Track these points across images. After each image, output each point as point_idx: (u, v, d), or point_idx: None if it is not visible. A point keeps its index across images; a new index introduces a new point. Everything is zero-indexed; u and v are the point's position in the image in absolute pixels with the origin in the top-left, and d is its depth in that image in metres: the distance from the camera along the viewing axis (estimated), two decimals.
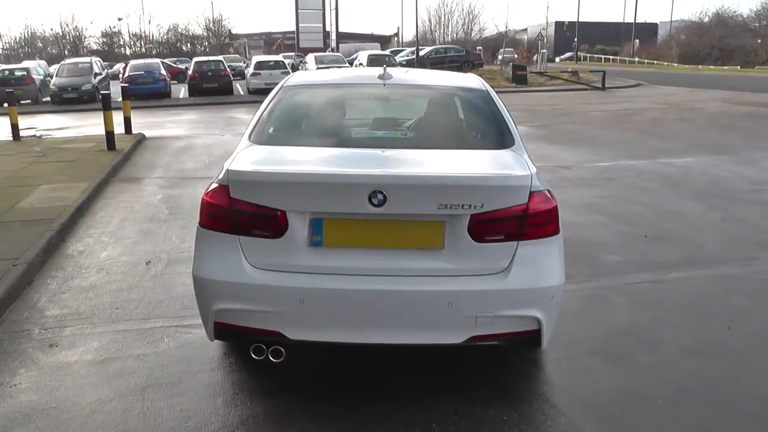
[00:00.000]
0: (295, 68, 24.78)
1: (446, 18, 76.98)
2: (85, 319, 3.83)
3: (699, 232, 5.73)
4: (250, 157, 2.88)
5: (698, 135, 12.05)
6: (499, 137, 3.13)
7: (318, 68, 23.15)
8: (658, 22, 79.59)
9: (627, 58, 63.11)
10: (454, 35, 74.73)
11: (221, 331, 2.75)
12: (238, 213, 2.65)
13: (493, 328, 2.67)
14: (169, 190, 7.42)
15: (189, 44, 62.44)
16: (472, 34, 77.62)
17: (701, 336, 3.71)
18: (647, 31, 74.61)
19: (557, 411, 2.90)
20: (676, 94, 21.89)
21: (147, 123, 13.66)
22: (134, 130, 11.86)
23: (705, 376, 3.26)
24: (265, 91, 22.28)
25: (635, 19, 74.08)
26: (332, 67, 23.43)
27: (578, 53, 66.25)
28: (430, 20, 78.82)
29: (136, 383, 3.13)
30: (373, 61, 25.46)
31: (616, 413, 2.90)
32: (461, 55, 35.50)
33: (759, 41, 48.76)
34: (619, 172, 8.27)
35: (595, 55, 66.39)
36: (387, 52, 32.44)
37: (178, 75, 29.20)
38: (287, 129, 3.36)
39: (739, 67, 46.97)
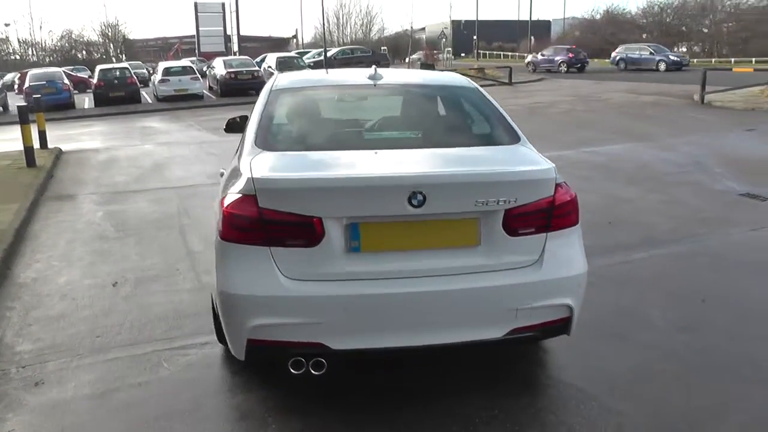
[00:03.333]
0: (203, 74, 23.95)
1: (344, 19, 77.29)
2: (67, 352, 3.50)
3: (647, 215, 6.10)
4: (271, 164, 2.74)
5: (613, 124, 12.81)
6: (506, 133, 3.18)
7: (227, 72, 22.52)
8: (551, 20, 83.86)
9: (526, 54, 66.01)
10: (353, 36, 75.24)
11: (255, 348, 2.59)
12: (269, 223, 2.52)
13: (531, 319, 2.71)
14: (109, 206, 6.94)
15: (84, 51, 58.68)
16: (371, 35, 78.57)
17: (681, 311, 3.94)
18: (541, 28, 78.35)
19: (586, 395, 2.98)
20: (580, 87, 23.14)
21: (59, 136, 12.68)
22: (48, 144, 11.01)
23: (699, 348, 3.47)
24: (174, 98, 21.85)
25: (530, 17, 77.70)
26: (243, 70, 22.89)
27: (478, 50, 68.54)
28: (328, 21, 78.90)
29: (147, 414, 2.90)
30: (282, 63, 25.10)
31: (638, 391, 3.02)
32: (368, 55, 35.73)
33: (644, 36, 52.47)
34: (554, 163, 8.62)
35: (494, 52, 68.91)
36: (293, 54, 32.06)
37: (78, 84, 27.37)
38: (293, 133, 3.23)
39: None
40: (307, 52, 35.59)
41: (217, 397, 3.02)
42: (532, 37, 71.67)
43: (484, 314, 2.65)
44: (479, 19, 68.65)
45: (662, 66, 30.75)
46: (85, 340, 3.63)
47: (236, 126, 4.99)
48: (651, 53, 32.10)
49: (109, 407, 2.96)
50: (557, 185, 2.76)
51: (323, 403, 2.93)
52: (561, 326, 2.82)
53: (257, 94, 16.23)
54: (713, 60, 40.74)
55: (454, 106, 3.51)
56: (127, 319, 3.92)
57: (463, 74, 23.39)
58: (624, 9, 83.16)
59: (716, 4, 49.31)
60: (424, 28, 73.03)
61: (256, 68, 23.58)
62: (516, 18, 76.71)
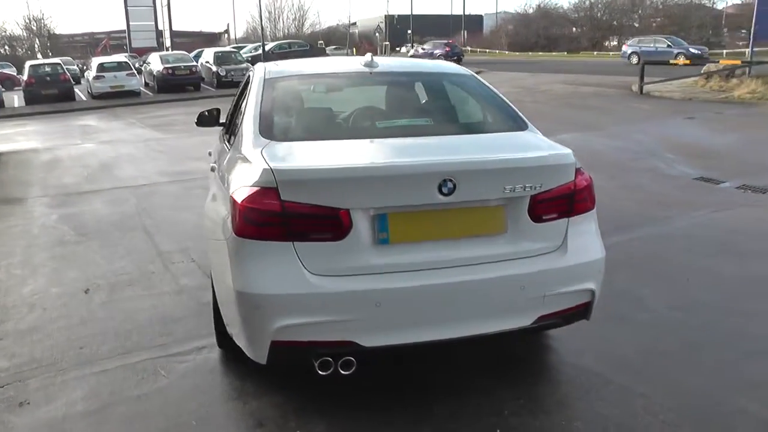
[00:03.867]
0: (138, 70, 22.98)
1: (277, 13, 76.18)
2: (49, 367, 3.21)
3: (612, 201, 6.22)
4: (287, 154, 2.57)
5: (559, 114, 13.10)
6: (513, 119, 3.13)
7: (164, 68, 21.69)
8: (483, 14, 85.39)
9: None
10: (286, 31, 74.35)
11: (280, 350, 2.43)
12: (292, 216, 2.36)
13: (557, 306, 2.68)
14: (62, 209, 6.49)
15: (7, 46, 55.02)
16: (304, 29, 77.87)
17: (670, 291, 4.03)
18: (473, 22, 79.70)
19: (604, 378, 2.98)
20: (521, 79, 23.57)
21: None
22: None
23: (696, 325, 3.55)
24: (110, 95, 20.88)
25: (464, 11, 78.82)
26: (180, 66, 22.11)
27: (413, 45, 68.90)
28: (260, 15, 77.56)
29: (153, 429, 2.69)
30: (220, 58, 24.44)
31: (652, 371, 3.05)
32: (305, 49, 35.28)
33: (574, 29, 54.23)
34: None
35: (467, 48, 69.59)
36: (230, 48, 31.25)
37: (4, 81, 25.69)
38: (299, 122, 3.06)
39: (565, 53, 51.94)
40: (243, 47, 34.76)
41: (228, 405, 2.83)
42: (465, 31, 72.87)
43: (514, 302, 2.59)
44: (412, 13, 69.13)
45: (681, 59, 26.50)
46: (67, 353, 3.35)
47: (208, 119, 4.77)
48: (669, 46, 29.72)
49: (109, 424, 2.73)
50: (576, 170, 2.74)
51: (346, 403, 2.80)
52: (583, 311, 2.80)
53: (196, 90, 16.17)
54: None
55: (456, 93, 3.43)
56: (108, 327, 3.65)
57: None
58: (556, 4, 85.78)
59: (645, 0, 51.54)
60: (356, 23, 72.97)
61: (194, 64, 22.85)
62: (449, 13, 77.67)
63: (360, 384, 2.89)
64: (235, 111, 4.04)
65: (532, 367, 3.14)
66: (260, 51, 29.84)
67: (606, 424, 2.64)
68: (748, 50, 21.09)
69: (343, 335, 2.40)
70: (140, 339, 3.49)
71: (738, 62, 17.32)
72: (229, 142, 3.41)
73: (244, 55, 27.31)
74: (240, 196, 2.44)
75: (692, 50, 29.55)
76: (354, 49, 48.03)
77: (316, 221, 2.37)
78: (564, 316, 2.75)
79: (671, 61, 20.61)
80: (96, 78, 20.52)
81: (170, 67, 21.83)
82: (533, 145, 2.82)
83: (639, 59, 28.44)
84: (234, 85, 23.10)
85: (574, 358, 3.19)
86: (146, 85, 23.51)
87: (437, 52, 36.15)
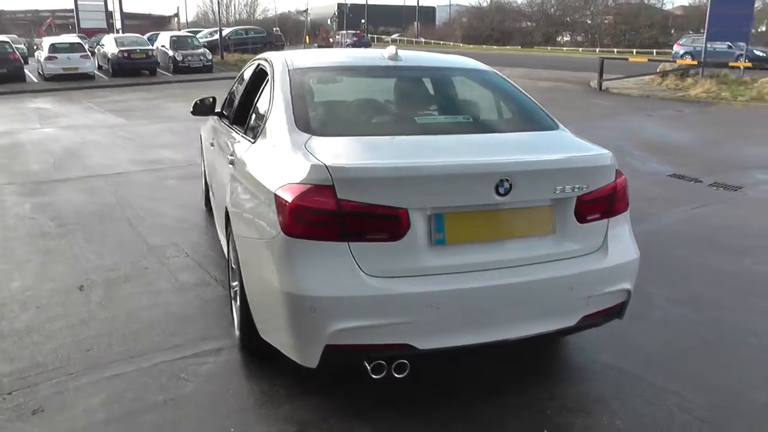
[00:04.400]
0: (91, 52, 21.99)
1: None
2: (56, 371, 3.01)
3: None
4: (339, 151, 2.46)
5: None
6: (544, 118, 3.12)
7: (120, 51, 20.83)
8: (435, 6, 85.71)
9: (413, 39, 67.05)
10: (237, 16, 72.95)
11: (332, 354, 2.34)
12: (349, 216, 2.27)
13: (599, 305, 2.69)
14: (35, 198, 6.13)
15: None
16: (256, 15, 76.63)
17: (674, 287, 4.13)
18: (426, 14, 79.92)
19: (632, 375, 3.02)
20: None
21: None
22: None
23: (706, 321, 3.65)
24: (63, 78, 19.87)
25: (418, 2, 78.91)
26: (136, 49, 21.29)
27: (368, 34, 68.52)
28: (211, 1, 75.93)
29: None
30: (176, 42, 23.71)
31: (675, 368, 3.10)
32: (263, 36, 34.68)
33: (528, 24, 55.08)
34: None
35: (382, 36, 69.35)
36: (185, 33, 30.33)
37: None
38: (336, 116, 2.96)
39: (520, 47, 52.70)
40: (199, 32, 33.83)
41: (262, 410, 2.71)
42: (418, 23, 73.02)
43: (562, 303, 2.58)
44: (364, 3, 68.71)
45: (742, 62, 21.43)
46: (73, 356, 3.15)
47: (204, 108, 4.62)
48: (729, 47, 25.21)
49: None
50: (616, 170, 2.74)
51: (387, 404, 2.73)
52: (618, 311, 2.82)
53: (152, 74, 15.74)
54: (615, 50, 43.04)
55: (484, 90, 3.38)
56: (113, 327, 3.45)
57: None
58: None
59: None
60: (306, 10, 72.22)
61: (150, 47, 22.03)
62: (402, 3, 77.67)
63: (394, 385, 2.83)
64: (246, 102, 3.88)
65: (559, 366, 3.15)
66: (216, 36, 29.13)
67: (645, 423, 2.67)
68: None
69: (398, 338, 2.33)
70: (150, 340, 3.32)
71: (695, 62, 17.95)
72: (248, 134, 3.26)
73: (201, 41, 26.61)
74: (289, 193, 2.33)
75: (756, 52, 25.82)
76: (307, 38, 47.34)
77: (375, 221, 2.29)
78: (603, 316, 2.76)
79: (731, 64, 18.36)
80: (48, 59, 19.48)
81: (126, 50, 20.97)
82: (576, 146, 2.81)
83: (693, 60, 23.16)
84: (191, 70, 22.48)
85: (598, 356, 3.22)
86: (100, 68, 22.52)
87: (347, 41, 41.47)
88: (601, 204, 2.67)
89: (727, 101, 14.85)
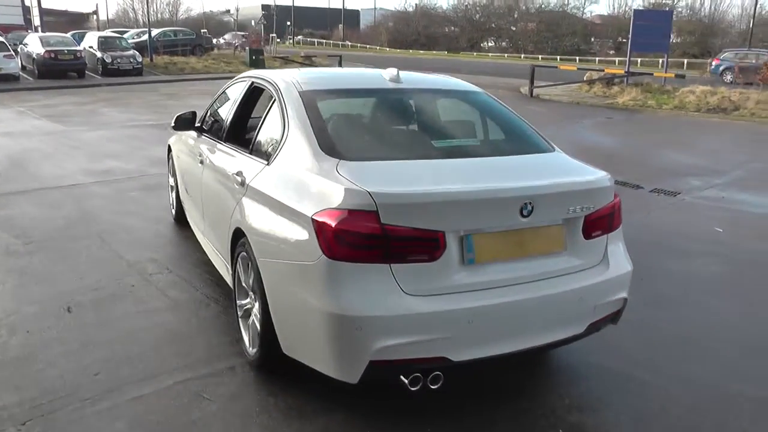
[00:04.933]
0: (15, 51, 20.76)
1: None
2: (68, 397, 2.94)
3: None
4: (377, 176, 2.58)
5: None
6: (541, 140, 3.36)
7: (46, 51, 19.79)
8: (360, 10, 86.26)
9: (340, 42, 67.23)
10: (159, 16, 70.79)
11: (376, 369, 2.46)
12: (393, 239, 2.40)
13: (601, 313, 2.94)
14: None
15: None
16: (179, 15, 74.70)
17: (639, 289, 4.44)
18: (351, 17, 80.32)
19: (625, 375, 3.30)
20: None
21: None
22: None
23: (675, 319, 4.00)
24: None
25: (343, 5, 79.15)
26: (64, 50, 20.30)
27: (294, 37, 68.09)
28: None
29: None
30: (104, 43, 22.80)
31: (658, 365, 3.41)
32: (192, 38, 33.85)
33: (454, 29, 56.42)
34: None
35: (307, 39, 69.10)
36: (110, 33, 29.15)
37: None
38: (359, 140, 3.07)
39: (446, 52, 53.79)
40: (125, 32, 32.59)
41: (294, 425, 2.77)
42: (343, 26, 73.35)
43: (575, 313, 2.81)
44: (289, 5, 68.35)
45: None
46: (82, 382, 3.09)
47: (186, 123, 4.62)
48: None
49: None
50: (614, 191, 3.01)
51: (414, 414, 2.86)
52: (615, 317, 3.08)
53: (80, 77, 15.19)
54: (540, 57, 44.62)
55: (484, 112, 3.58)
56: (115, 350, 3.40)
57: (290, 60, 23.20)
58: (435, 4, 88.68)
59: (521, 5, 54.72)
60: (228, 11, 71.00)
61: (78, 48, 21.05)
62: (327, 6, 77.78)
63: (414, 397, 2.97)
64: (242, 121, 3.92)
65: (558, 369, 3.38)
66: (143, 38, 28.18)
67: (645, 418, 2.93)
68: (616, 59, 23.02)
69: (435, 351, 2.48)
70: (158, 361, 3.30)
71: (621, 71, 19.06)
72: (256, 155, 3.31)
73: (130, 41, 25.68)
74: (331, 218, 2.43)
75: None
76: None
77: (417, 243, 2.43)
78: (603, 322, 3.01)
79: None
80: None
81: (52, 51, 19.93)
82: (579, 169, 3.05)
83: (735, 76, 21.63)
84: (121, 73, 21.67)
85: (589, 358, 3.46)
86: (23, 68, 21.29)
87: (235, 41, 41.82)
88: (603, 221, 2.93)
89: (653, 109, 15.89)
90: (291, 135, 3.00)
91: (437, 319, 2.46)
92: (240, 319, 3.40)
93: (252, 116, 4.07)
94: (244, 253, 3.13)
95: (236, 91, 4.13)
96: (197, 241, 5.01)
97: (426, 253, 2.45)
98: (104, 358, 3.32)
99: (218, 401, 2.95)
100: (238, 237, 3.24)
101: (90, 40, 23.34)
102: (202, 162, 4.16)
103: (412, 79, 3.67)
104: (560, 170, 3.01)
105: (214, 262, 4.13)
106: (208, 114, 4.61)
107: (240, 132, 3.87)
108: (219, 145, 3.98)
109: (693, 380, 3.27)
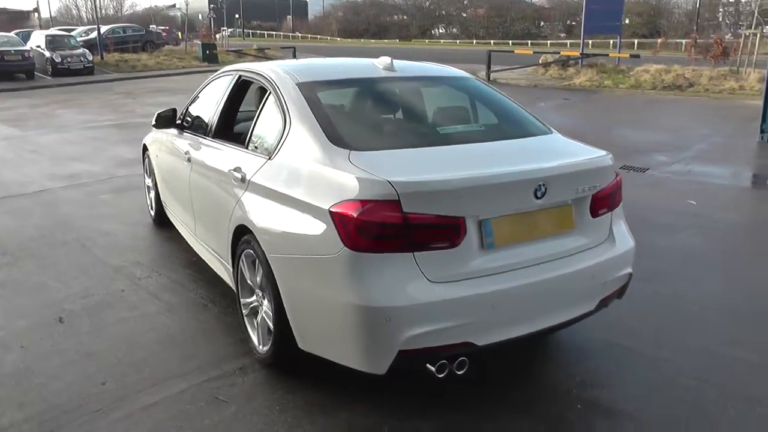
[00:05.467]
0: None
1: None
2: (79, 409, 2.84)
3: None
4: (393, 165, 2.56)
5: None
6: (536, 122, 3.39)
7: None
8: (308, 0, 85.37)
9: (290, 34, 66.50)
10: (104, 11, 68.63)
11: (403, 359, 2.45)
12: (415, 227, 2.39)
13: (610, 289, 3.01)
14: None
15: None
16: (123, 10, 72.75)
17: (641, 264, 4.60)
18: (299, 8, 79.49)
19: (630, 349, 3.39)
20: None
21: None
22: None
23: (668, 293, 4.12)
24: None
25: None
26: (10, 50, 19.47)
27: (244, 30, 66.90)
28: None
29: None
30: (52, 42, 21.96)
31: (662, 337, 3.51)
32: (142, 34, 32.91)
33: (404, 17, 56.40)
34: None
35: (256, 31, 68.07)
36: (58, 31, 28.08)
37: None
38: (364, 130, 3.03)
39: (398, 40, 53.74)
40: (73, 29, 31.50)
41: (320, 421, 2.73)
42: (292, 17, 72.55)
43: (587, 290, 2.86)
44: None
45: None
46: (90, 393, 2.98)
47: (167, 121, 4.50)
48: None
49: None
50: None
51: (440, 404, 2.87)
52: (621, 292, 3.15)
53: (29, 78, 14.76)
54: (492, 42, 44.80)
55: (479, 97, 3.59)
56: (118, 357, 3.30)
57: (244, 54, 22.90)
58: None
59: None
60: (174, 5, 69.36)
61: (26, 48, 20.22)
62: None
63: (434, 386, 2.98)
64: (231, 115, 3.84)
65: (567, 347, 3.44)
66: (92, 35, 27.26)
67: (657, 389, 3.01)
68: (568, 42, 23.45)
69: (461, 337, 2.49)
70: (164, 366, 3.22)
71: (576, 53, 19.42)
72: (253, 149, 3.25)
73: (79, 40, 24.82)
74: (352, 209, 2.40)
75: None
76: (179, 34, 45.36)
77: (438, 230, 2.43)
78: (611, 298, 3.08)
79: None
80: None
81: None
82: (581, 149, 3.10)
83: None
84: (72, 73, 20.92)
85: (593, 334, 3.52)
86: None
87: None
88: (607, 200, 2.98)
89: (609, 89, 16.25)
90: (294, 128, 2.95)
91: (462, 304, 2.46)
92: (245, 318, 3.34)
93: (241, 110, 3.98)
94: (250, 250, 3.07)
95: (221, 86, 4.03)
96: (181, 241, 4.91)
97: (448, 239, 2.45)
98: (108, 366, 3.22)
99: (235, 402, 2.90)
100: (241, 234, 3.17)
101: (37, 39, 22.41)
102: (189, 160, 4.05)
103: (406, 67, 3.65)
104: (565, 151, 3.05)
105: (209, 262, 4.03)
106: (190, 110, 4.49)
107: (230, 127, 3.79)
108: (207, 142, 3.89)
109: (694, 350, 3.38)
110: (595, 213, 2.91)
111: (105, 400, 2.92)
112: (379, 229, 2.38)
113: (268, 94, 3.33)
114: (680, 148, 9.15)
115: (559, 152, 3.03)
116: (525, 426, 2.72)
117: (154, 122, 4.53)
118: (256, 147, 3.28)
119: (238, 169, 3.25)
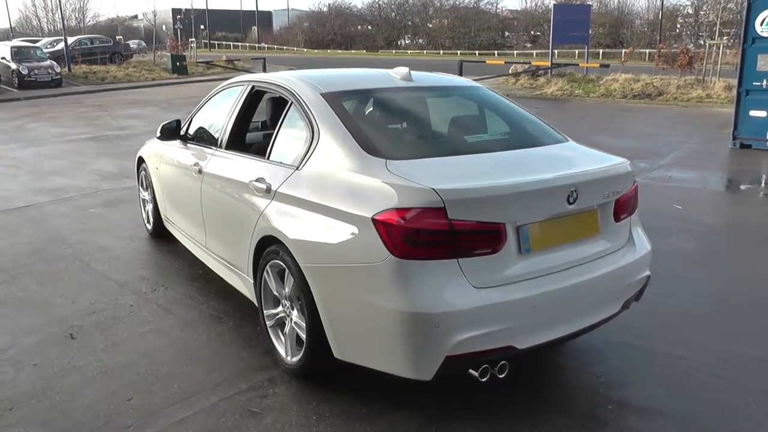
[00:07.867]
0: None
1: (54, 3, 68.36)
2: (109, 425, 2.77)
3: None
4: (434, 174, 2.60)
5: None
6: (552, 130, 3.47)
7: None
8: (272, 11, 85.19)
9: (255, 45, 66.14)
10: (65, 22, 67.24)
11: (451, 364, 2.47)
12: (460, 234, 2.43)
13: (632, 291, 3.10)
14: None
15: None
16: (86, 21, 71.46)
17: None
18: (264, 19, 79.21)
19: (647, 349, 3.49)
20: None
21: None
22: None
23: (670, 293, 4.23)
24: None
25: (257, 8, 77.84)
26: None
27: (210, 40, 66.33)
28: (34, 5, 69.30)
29: None
30: (18, 53, 21.44)
31: (675, 336, 3.62)
32: (109, 45, 32.41)
33: (369, 28, 56.72)
34: None
35: (222, 42, 67.59)
36: (24, 42, 27.43)
37: None
38: (397, 139, 3.08)
39: (365, 51, 53.95)
40: (38, 40, 30.82)
41: (360, 428, 2.75)
42: (257, 28, 72.27)
43: (615, 292, 2.95)
44: (200, 8, 66.54)
45: None
46: (117, 410, 2.92)
47: (171, 132, 4.48)
48: None
49: None
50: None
51: (473, 409, 2.90)
52: (639, 294, 3.24)
53: None
54: (459, 53, 45.19)
55: (496, 107, 3.66)
56: (140, 373, 3.24)
57: (213, 65, 22.86)
58: (350, 3, 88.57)
59: (435, 2, 55.74)
60: (136, 15, 68.42)
61: None
62: (239, 8, 76.35)
63: (469, 390, 3.02)
64: (245, 126, 3.83)
65: (587, 348, 3.51)
66: (59, 46, 26.75)
67: (676, 386, 3.10)
68: (534, 52, 23.91)
69: (503, 341, 2.54)
70: (190, 381, 3.17)
71: (548, 64, 19.83)
72: (278, 161, 3.24)
73: (45, 51, 24.30)
74: (398, 217, 2.42)
75: None
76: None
77: (481, 237, 2.48)
78: (631, 300, 3.17)
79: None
80: None
81: None
82: (602, 156, 3.19)
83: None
84: (39, 85, 20.44)
85: (608, 336, 3.59)
86: None
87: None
88: (627, 204, 3.09)
89: (581, 98, 16.63)
90: (323, 138, 2.96)
91: (506, 308, 2.51)
92: (269, 330, 3.32)
93: (253, 120, 3.97)
94: (278, 261, 3.06)
95: (232, 96, 4.01)
96: (182, 255, 4.86)
97: (490, 245, 2.50)
98: (130, 382, 3.16)
99: (270, 414, 2.88)
100: (266, 245, 3.16)
101: (2, 51, 21.85)
102: (200, 171, 4.01)
103: (423, 77, 3.70)
104: (588, 158, 3.13)
105: (222, 275, 3.99)
106: (196, 122, 4.46)
107: (246, 138, 3.77)
108: (221, 153, 3.86)
109: (703, 348, 3.49)
110: (617, 217, 3.01)
111: (134, 416, 2.87)
112: (426, 236, 2.41)
113: (290, 105, 3.33)
114: (658, 154, 9.42)
115: (582, 159, 3.12)
116: (562, 422, 2.78)
117: (158, 134, 4.48)
118: (279, 157, 3.27)
119: (261, 180, 3.24)
